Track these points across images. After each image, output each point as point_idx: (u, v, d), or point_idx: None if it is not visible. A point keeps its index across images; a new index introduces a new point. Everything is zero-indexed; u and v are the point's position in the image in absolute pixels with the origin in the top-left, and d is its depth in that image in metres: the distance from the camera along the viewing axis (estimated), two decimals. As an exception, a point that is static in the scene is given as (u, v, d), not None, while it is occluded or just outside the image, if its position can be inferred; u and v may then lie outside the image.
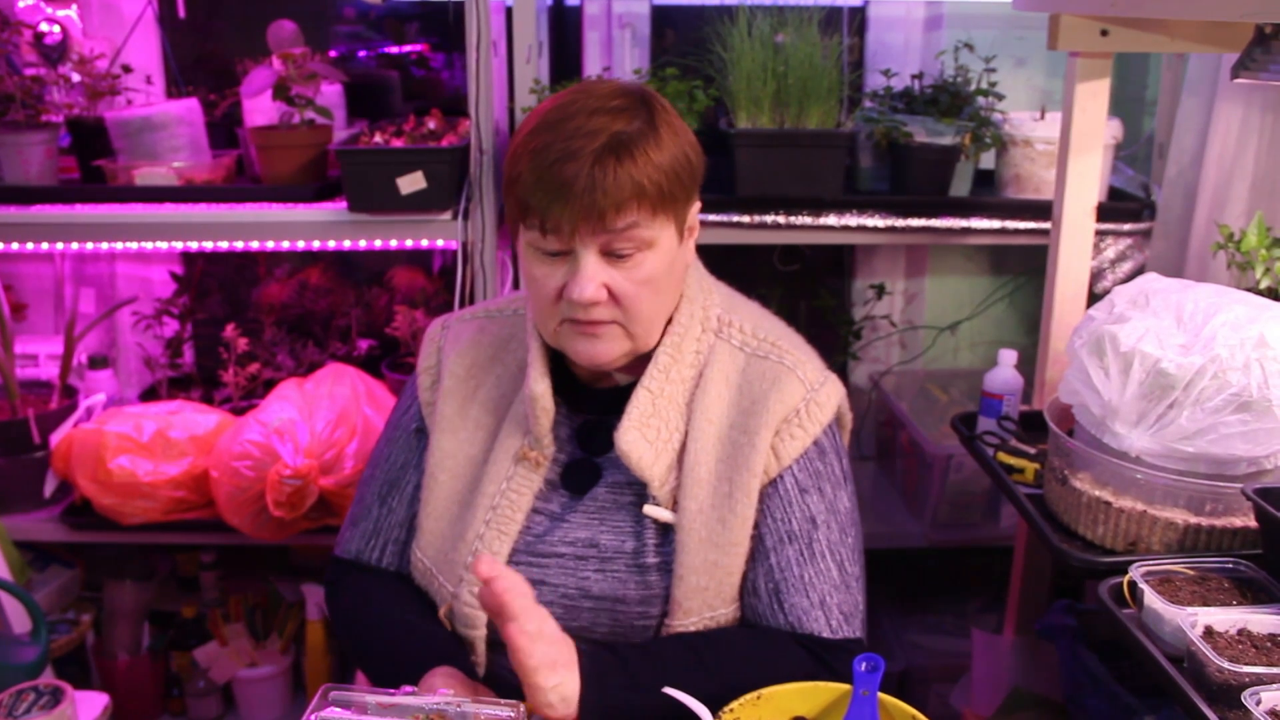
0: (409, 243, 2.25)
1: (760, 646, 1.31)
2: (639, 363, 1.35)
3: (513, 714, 1.09)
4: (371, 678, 1.39)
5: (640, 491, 1.35)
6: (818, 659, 1.30)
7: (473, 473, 1.40)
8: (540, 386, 1.34)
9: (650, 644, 1.32)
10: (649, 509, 1.33)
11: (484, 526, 1.36)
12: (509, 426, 1.38)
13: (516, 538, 1.36)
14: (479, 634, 1.35)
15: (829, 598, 1.33)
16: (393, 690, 1.14)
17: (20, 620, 2.23)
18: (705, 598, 1.31)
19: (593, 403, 1.39)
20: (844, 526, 1.36)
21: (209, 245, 2.35)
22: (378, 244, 2.25)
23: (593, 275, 1.23)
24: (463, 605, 1.35)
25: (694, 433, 1.33)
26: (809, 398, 1.34)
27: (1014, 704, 1.96)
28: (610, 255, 1.24)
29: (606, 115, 1.23)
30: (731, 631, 1.34)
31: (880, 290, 2.72)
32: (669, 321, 1.35)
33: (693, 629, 1.32)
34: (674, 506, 1.33)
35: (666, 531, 1.34)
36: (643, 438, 1.31)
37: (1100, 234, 2.20)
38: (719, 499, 1.31)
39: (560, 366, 1.39)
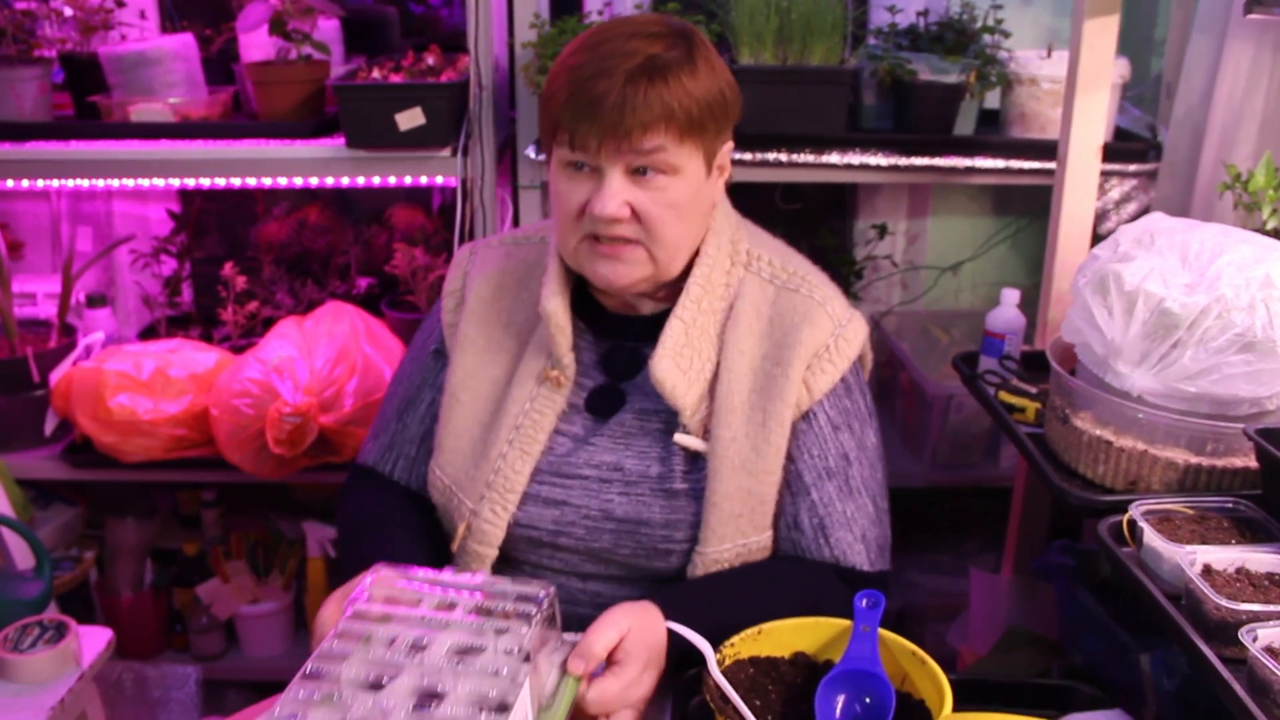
0: (408, 180, 2.23)
1: (806, 578, 1.34)
2: (663, 293, 1.37)
3: (544, 593, 1.12)
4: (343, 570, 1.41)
5: (667, 419, 1.36)
6: (854, 591, 1.31)
7: (495, 393, 1.41)
8: (553, 304, 1.35)
9: (712, 577, 1.34)
10: (680, 437, 1.34)
11: (507, 446, 1.37)
12: (533, 348, 1.40)
13: (539, 457, 1.38)
14: (491, 553, 1.38)
15: (869, 532, 1.37)
16: (436, 569, 1.18)
17: (24, 556, 2.25)
18: (739, 525, 1.33)
19: (618, 330, 1.41)
20: (873, 462, 1.40)
21: (206, 182, 2.33)
22: (376, 181, 2.23)
23: (616, 192, 1.24)
24: (482, 522, 1.37)
25: (726, 363, 1.34)
26: (838, 333, 1.36)
27: (1010, 642, 1.97)
28: (636, 175, 1.25)
29: (645, 39, 1.24)
30: (779, 564, 1.37)
31: (882, 230, 2.70)
32: (696, 254, 1.35)
33: (727, 555, 1.33)
34: (704, 435, 1.34)
35: (695, 459, 1.35)
36: (676, 366, 1.32)
37: (1105, 175, 2.18)
38: (753, 428, 1.33)
39: (586, 294, 1.41)
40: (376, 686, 1.01)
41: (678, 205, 1.27)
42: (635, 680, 1.14)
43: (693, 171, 1.28)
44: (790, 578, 1.34)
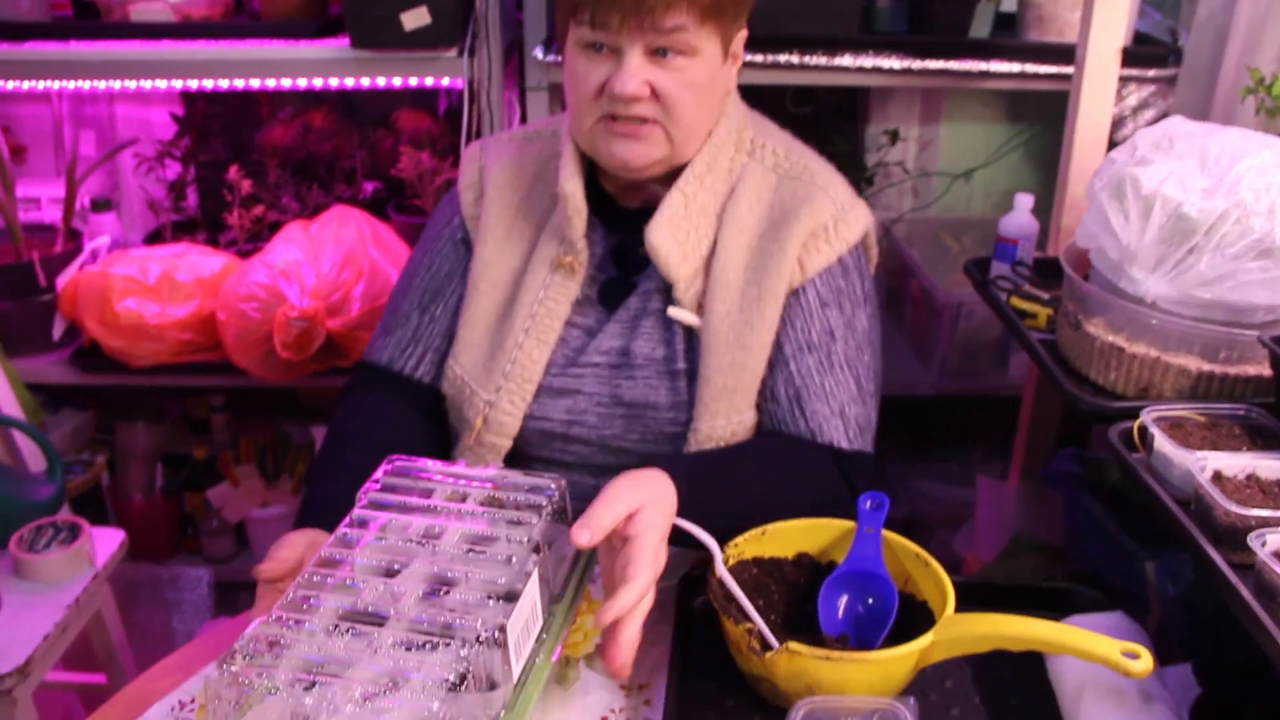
0: (413, 81, 2.20)
1: (795, 454, 1.33)
2: (672, 179, 1.35)
3: (554, 485, 1.14)
4: (311, 474, 1.40)
5: (668, 298, 1.36)
6: (837, 469, 1.33)
7: (512, 284, 1.41)
8: (571, 185, 1.34)
9: (713, 454, 1.32)
10: (674, 311, 1.34)
11: (523, 335, 1.38)
12: (546, 236, 1.40)
13: (554, 348, 1.39)
14: (506, 444, 1.39)
15: (847, 408, 1.35)
16: (449, 462, 1.19)
17: (36, 460, 2.26)
18: (732, 400, 1.33)
19: (629, 223, 1.39)
20: (860, 344, 1.38)
21: (209, 84, 2.29)
22: (381, 82, 2.20)
23: (636, 71, 1.23)
24: (499, 413, 1.38)
25: (723, 240, 1.34)
26: (839, 216, 1.35)
27: (1016, 549, 1.99)
28: (655, 56, 1.24)
29: None
30: (772, 440, 1.36)
31: (894, 136, 2.67)
32: (708, 135, 1.35)
33: (720, 432, 1.33)
34: (699, 311, 1.35)
35: (694, 338, 1.35)
36: (672, 236, 1.33)
37: (1123, 80, 2.14)
38: (747, 303, 1.33)
39: (597, 186, 1.40)
40: (390, 573, 1.03)
41: (696, 86, 1.27)
42: (656, 554, 1.08)
43: (711, 55, 1.27)
44: (782, 451, 1.33)
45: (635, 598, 1.02)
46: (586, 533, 1.03)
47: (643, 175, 1.33)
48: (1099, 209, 1.44)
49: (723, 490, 1.21)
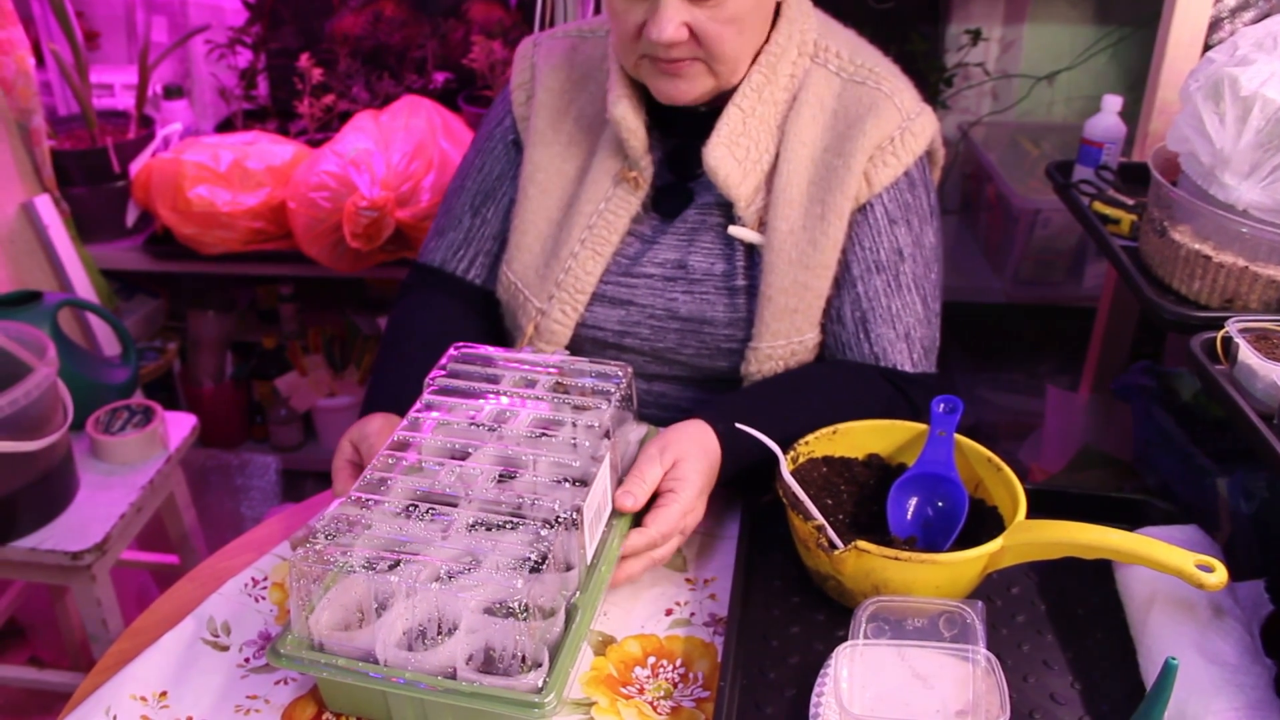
0: (485, -30, 2.16)
1: (850, 381, 1.31)
2: (730, 94, 1.30)
3: (621, 372, 1.15)
4: (374, 366, 1.41)
5: (728, 213, 1.33)
6: (898, 390, 1.31)
7: (566, 189, 1.39)
8: (620, 108, 1.30)
9: (755, 388, 1.31)
10: (734, 229, 1.31)
11: (579, 245, 1.35)
12: (605, 147, 1.36)
13: (610, 259, 1.36)
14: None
15: (914, 331, 1.33)
16: (514, 350, 1.20)
17: (110, 344, 2.31)
18: (794, 320, 1.31)
19: (684, 127, 1.35)
20: (928, 261, 1.35)
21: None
22: (453, -30, 2.16)
23: (672, 15, 1.17)
24: (551, 322, 1.37)
25: (786, 154, 1.30)
26: (904, 126, 1.30)
27: (1083, 461, 1.96)
28: None
29: None
30: (823, 368, 1.34)
31: (976, 36, 2.58)
32: (765, 41, 1.29)
33: (780, 352, 1.32)
34: (760, 228, 1.31)
35: (755, 254, 1.32)
36: (731, 155, 1.28)
37: (1223, -23, 2.05)
38: (811, 220, 1.29)
39: (651, 97, 1.34)
40: (461, 457, 1.04)
41: (738, 18, 1.21)
42: (690, 507, 1.13)
43: None
44: (836, 382, 1.31)
45: (642, 545, 1.09)
46: (630, 498, 1.10)
47: (693, 104, 1.28)
48: (1193, 110, 1.38)
49: (770, 429, 1.17)
